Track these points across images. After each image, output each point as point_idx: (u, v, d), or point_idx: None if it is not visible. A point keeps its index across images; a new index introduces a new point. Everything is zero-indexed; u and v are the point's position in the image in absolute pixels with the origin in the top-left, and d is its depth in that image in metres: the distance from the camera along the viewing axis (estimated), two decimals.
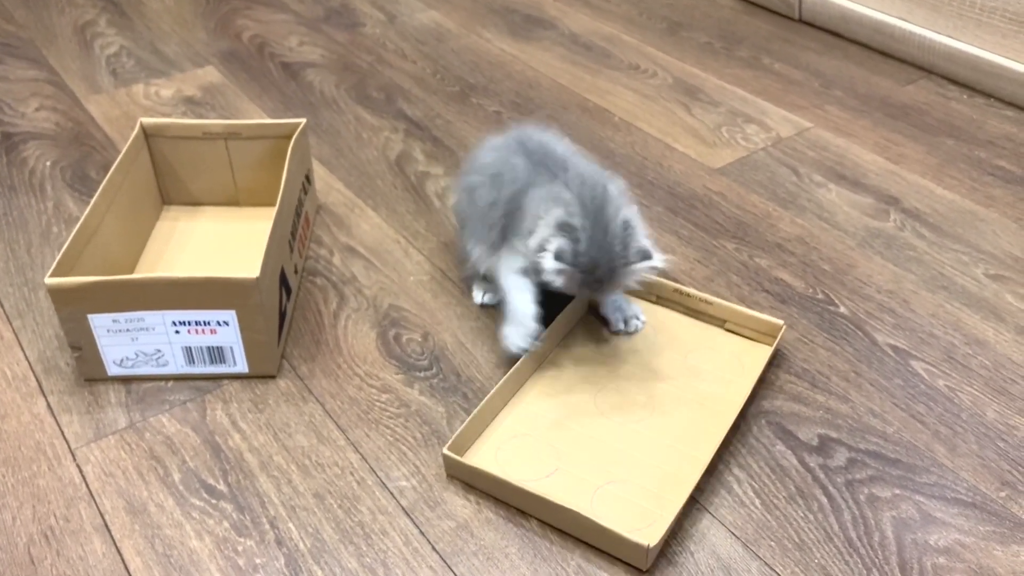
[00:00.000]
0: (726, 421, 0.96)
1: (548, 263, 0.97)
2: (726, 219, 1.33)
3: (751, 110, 1.61)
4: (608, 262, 0.99)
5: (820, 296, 1.19)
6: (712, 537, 0.89)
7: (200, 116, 1.57)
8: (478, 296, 1.16)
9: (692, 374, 1.05)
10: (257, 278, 0.98)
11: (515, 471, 0.92)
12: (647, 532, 0.85)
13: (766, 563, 0.86)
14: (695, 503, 0.92)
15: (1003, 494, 0.93)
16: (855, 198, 1.38)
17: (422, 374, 1.06)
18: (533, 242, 1.00)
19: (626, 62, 1.77)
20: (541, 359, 1.06)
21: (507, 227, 1.05)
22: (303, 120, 1.24)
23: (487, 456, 0.95)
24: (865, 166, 1.46)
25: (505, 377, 1.00)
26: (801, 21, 1.92)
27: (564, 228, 0.98)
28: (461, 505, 0.91)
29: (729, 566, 0.86)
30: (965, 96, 1.66)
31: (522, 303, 1.02)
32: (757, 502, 0.92)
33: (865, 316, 1.15)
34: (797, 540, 0.88)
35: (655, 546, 0.83)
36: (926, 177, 1.44)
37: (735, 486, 0.93)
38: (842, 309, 1.16)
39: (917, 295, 1.19)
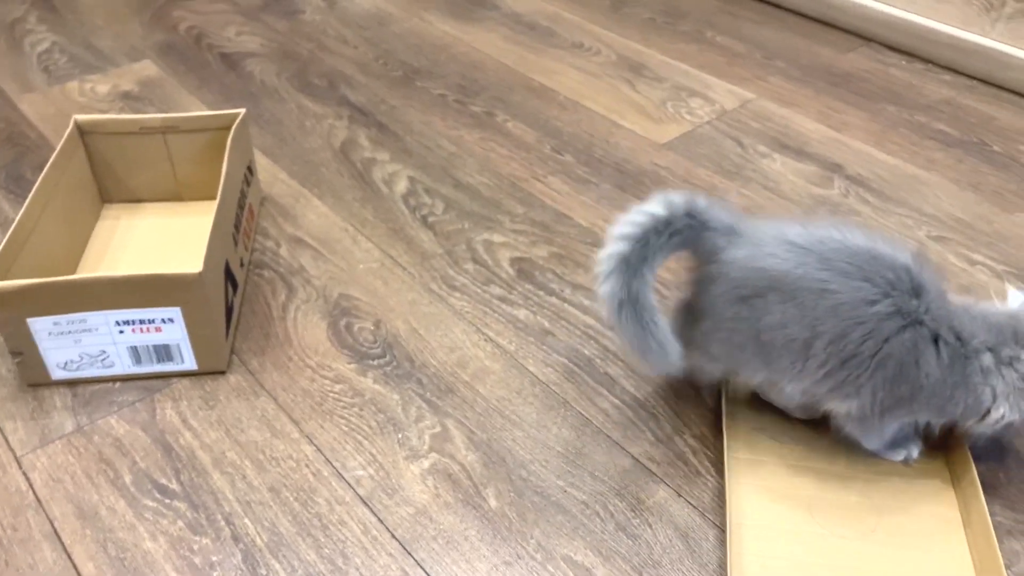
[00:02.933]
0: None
1: None
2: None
3: (695, 84, 1.62)
4: None
5: None
6: (670, 508, 0.89)
7: (138, 111, 1.53)
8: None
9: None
10: (200, 273, 0.96)
11: None
12: None
13: (723, 531, 0.87)
14: (652, 475, 0.92)
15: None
16: (799, 167, 1.40)
17: (375, 362, 1.05)
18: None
19: (570, 40, 1.76)
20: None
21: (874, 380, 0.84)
22: (242, 110, 1.21)
23: None
24: (808, 135, 1.48)
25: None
26: None
27: None
28: (419, 491, 0.91)
29: (687, 535, 0.87)
30: (904, 62, 1.68)
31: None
32: (713, 471, 0.93)
33: None
34: None
35: None
36: (868, 143, 1.46)
37: (690, 456, 0.94)
38: None
39: None
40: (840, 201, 1.32)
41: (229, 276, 1.07)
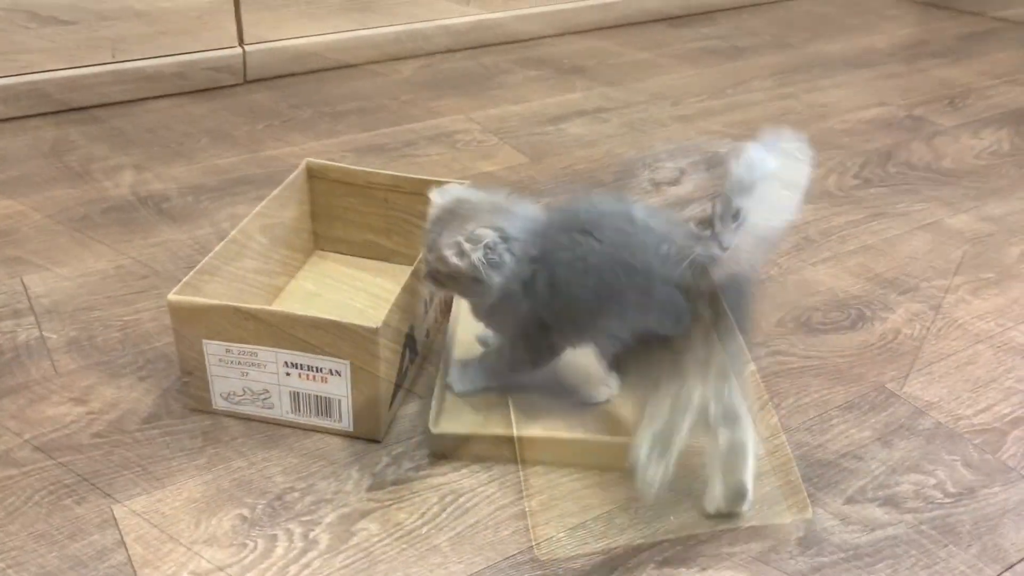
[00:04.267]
0: None
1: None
2: None
3: None
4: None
5: None
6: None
7: None
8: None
9: None
10: (379, 327, 0.91)
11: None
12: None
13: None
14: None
15: None
16: None
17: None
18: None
19: None
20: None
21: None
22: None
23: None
24: None
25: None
26: None
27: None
28: None
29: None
30: None
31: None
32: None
33: None
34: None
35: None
36: None
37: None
38: None
39: None
40: None
41: (410, 344, 1.03)
